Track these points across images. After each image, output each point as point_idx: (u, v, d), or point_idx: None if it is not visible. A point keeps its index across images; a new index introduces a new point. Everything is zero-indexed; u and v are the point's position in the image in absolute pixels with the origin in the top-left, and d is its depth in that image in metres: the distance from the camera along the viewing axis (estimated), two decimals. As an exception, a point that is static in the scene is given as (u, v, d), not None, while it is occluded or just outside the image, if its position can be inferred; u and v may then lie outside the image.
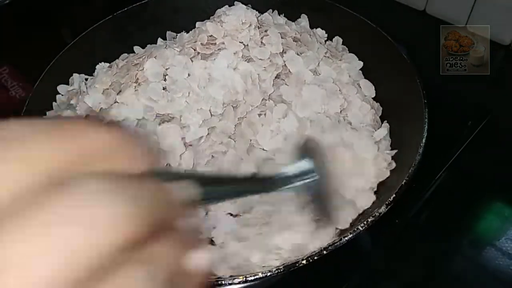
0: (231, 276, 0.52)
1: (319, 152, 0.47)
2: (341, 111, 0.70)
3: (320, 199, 0.46)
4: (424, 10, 0.95)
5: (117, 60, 0.79)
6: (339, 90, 0.71)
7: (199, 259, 0.22)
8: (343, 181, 0.61)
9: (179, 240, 0.21)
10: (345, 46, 0.80)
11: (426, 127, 0.61)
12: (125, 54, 0.82)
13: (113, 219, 0.16)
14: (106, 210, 0.16)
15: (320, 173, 0.44)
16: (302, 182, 0.42)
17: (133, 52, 0.81)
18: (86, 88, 0.73)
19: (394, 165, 0.64)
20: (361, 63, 0.77)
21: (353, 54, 0.78)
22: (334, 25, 0.80)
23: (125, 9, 0.83)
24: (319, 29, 0.82)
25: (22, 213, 0.16)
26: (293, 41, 0.74)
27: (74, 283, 0.15)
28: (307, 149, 0.46)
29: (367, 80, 0.76)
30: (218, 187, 0.30)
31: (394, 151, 0.65)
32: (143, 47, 0.83)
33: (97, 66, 0.79)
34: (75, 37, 0.78)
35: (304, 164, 0.43)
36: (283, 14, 0.82)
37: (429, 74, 0.70)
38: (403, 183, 0.55)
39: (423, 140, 0.59)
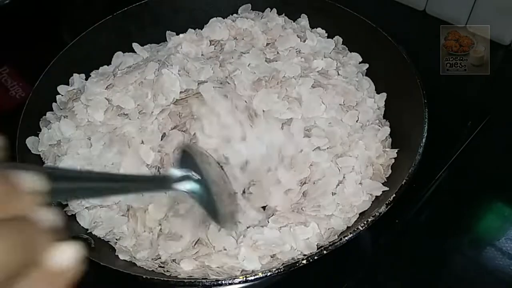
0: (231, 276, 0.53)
1: (201, 159, 0.51)
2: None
3: (210, 204, 0.49)
4: (424, 10, 0.95)
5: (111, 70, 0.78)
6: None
7: (62, 256, 0.22)
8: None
9: (34, 229, 0.21)
10: (345, 46, 0.80)
11: (426, 127, 0.61)
12: (120, 53, 0.82)
13: None
14: None
15: (203, 179, 0.47)
16: (181, 187, 0.45)
17: (133, 51, 0.81)
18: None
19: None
20: (366, 65, 0.77)
21: (357, 54, 0.78)
22: (334, 24, 0.80)
23: (125, 9, 0.82)
24: (319, 28, 0.82)
25: None
26: None
27: None
28: (187, 158, 0.49)
29: (368, 78, 0.76)
30: (77, 182, 0.32)
31: (396, 150, 0.65)
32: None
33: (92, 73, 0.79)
34: (75, 37, 0.78)
35: (181, 172, 0.46)
36: (283, 14, 0.82)
37: (429, 74, 0.70)
38: (403, 183, 0.55)
39: (423, 140, 0.59)
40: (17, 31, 0.98)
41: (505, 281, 0.61)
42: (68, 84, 0.77)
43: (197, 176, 0.47)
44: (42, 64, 0.74)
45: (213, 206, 0.49)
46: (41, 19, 1.01)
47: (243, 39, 0.79)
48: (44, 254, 0.21)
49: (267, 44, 0.78)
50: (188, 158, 0.49)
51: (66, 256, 0.22)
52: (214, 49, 0.79)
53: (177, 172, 0.46)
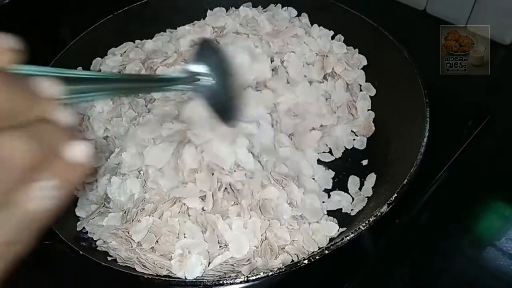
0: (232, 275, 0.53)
1: (219, 56, 0.52)
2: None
3: (220, 101, 0.51)
4: (425, 10, 0.95)
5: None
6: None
7: (77, 150, 0.25)
8: None
9: (45, 131, 0.24)
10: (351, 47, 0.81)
11: (428, 126, 0.61)
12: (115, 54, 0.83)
13: None
14: None
15: (218, 76, 0.48)
16: (192, 84, 0.47)
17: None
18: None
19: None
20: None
21: (363, 56, 0.79)
22: (335, 23, 0.81)
23: (126, 8, 0.83)
24: (320, 27, 0.82)
25: None
26: None
27: None
28: (205, 53, 0.50)
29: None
30: (87, 85, 0.34)
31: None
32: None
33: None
34: (75, 37, 0.78)
35: (197, 68, 0.48)
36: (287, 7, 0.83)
37: (429, 74, 0.70)
38: (404, 182, 0.55)
39: (425, 140, 0.59)
40: (17, 31, 0.97)
41: (505, 281, 0.61)
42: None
43: (207, 76, 0.48)
44: (42, 64, 0.74)
45: (221, 103, 0.52)
46: (41, 19, 1.01)
47: (247, 25, 0.80)
48: (62, 149, 0.25)
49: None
50: (205, 52, 0.51)
51: (80, 150, 0.25)
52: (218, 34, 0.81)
53: (186, 71, 0.47)
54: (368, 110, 0.76)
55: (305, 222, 0.61)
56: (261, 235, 0.59)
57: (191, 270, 0.55)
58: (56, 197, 0.24)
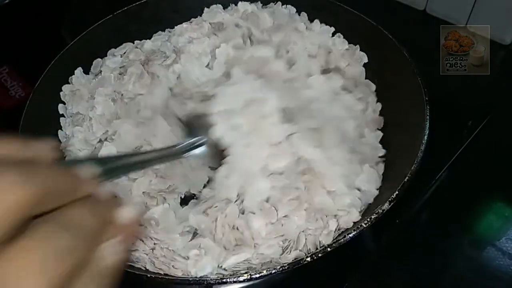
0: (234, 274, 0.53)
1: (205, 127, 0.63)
2: None
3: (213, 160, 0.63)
4: (424, 9, 0.95)
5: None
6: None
7: (125, 213, 0.29)
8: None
9: (96, 205, 0.27)
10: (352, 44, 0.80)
11: (428, 126, 0.61)
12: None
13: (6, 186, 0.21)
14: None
15: (207, 142, 0.61)
16: (193, 151, 0.59)
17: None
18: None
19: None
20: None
21: (364, 53, 0.78)
22: (335, 23, 0.80)
23: (125, 8, 0.83)
24: (322, 24, 0.82)
25: None
26: None
27: None
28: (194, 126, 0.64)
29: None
30: (117, 162, 0.41)
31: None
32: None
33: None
34: (75, 37, 0.78)
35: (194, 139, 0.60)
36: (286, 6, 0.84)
37: (429, 74, 0.70)
38: (405, 180, 0.55)
39: (425, 138, 0.59)
40: (17, 31, 0.98)
41: (505, 281, 0.61)
42: (68, 83, 0.77)
43: (202, 141, 0.60)
44: (42, 64, 0.74)
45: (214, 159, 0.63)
46: (41, 19, 1.01)
47: (248, 19, 0.80)
48: (113, 216, 0.28)
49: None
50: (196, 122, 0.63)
51: (128, 213, 0.29)
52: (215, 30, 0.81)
53: (186, 142, 0.59)
54: (368, 109, 0.76)
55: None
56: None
57: (203, 269, 0.55)
58: (122, 252, 0.28)
